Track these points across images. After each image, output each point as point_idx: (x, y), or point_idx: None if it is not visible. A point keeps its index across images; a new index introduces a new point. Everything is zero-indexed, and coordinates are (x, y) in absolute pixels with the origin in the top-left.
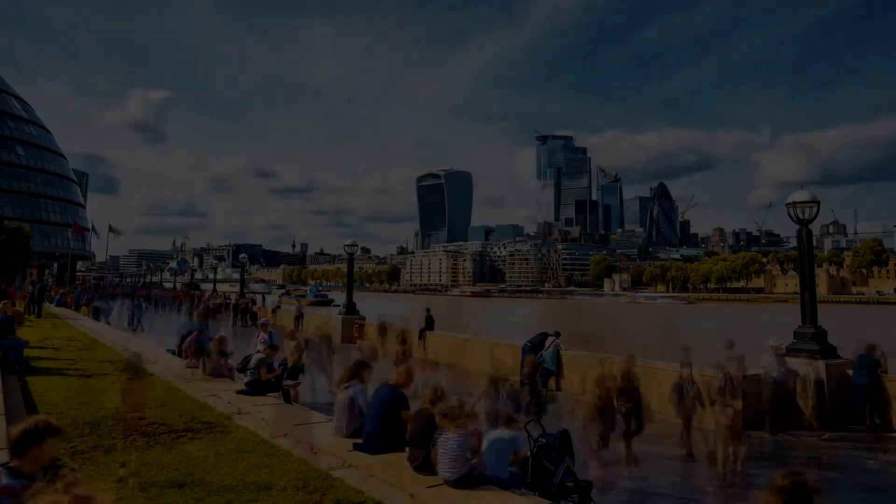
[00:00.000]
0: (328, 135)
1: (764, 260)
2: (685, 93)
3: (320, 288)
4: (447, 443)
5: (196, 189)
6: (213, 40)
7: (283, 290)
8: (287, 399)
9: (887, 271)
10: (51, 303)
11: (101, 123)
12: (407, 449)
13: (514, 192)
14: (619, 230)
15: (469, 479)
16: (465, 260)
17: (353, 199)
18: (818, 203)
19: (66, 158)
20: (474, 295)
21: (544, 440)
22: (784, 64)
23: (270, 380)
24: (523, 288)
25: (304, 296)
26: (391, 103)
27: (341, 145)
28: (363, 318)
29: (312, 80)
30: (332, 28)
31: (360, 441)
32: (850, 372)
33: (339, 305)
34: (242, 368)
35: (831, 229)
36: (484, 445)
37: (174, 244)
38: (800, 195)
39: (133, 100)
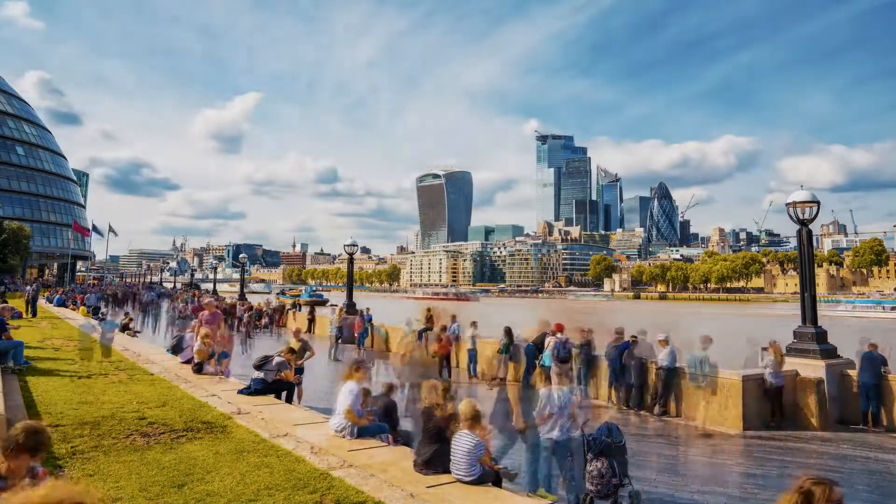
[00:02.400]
0: (354, 133)
1: (764, 260)
2: (723, 84)
3: (316, 288)
4: (464, 442)
5: (210, 187)
6: (235, 31)
7: (279, 290)
8: (287, 399)
9: (887, 271)
10: (50, 302)
11: (125, 121)
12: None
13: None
14: (620, 230)
15: (483, 479)
16: (465, 260)
17: (386, 200)
18: (818, 203)
19: (65, 158)
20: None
21: None
22: (831, 54)
23: (291, 381)
24: (523, 288)
25: (299, 296)
26: (424, 98)
27: (369, 143)
28: (363, 319)
29: (334, 74)
30: (360, 10)
31: None
32: (851, 372)
33: (335, 305)
34: (259, 367)
35: (831, 229)
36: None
37: (174, 244)
38: (800, 195)
39: (151, 98)
